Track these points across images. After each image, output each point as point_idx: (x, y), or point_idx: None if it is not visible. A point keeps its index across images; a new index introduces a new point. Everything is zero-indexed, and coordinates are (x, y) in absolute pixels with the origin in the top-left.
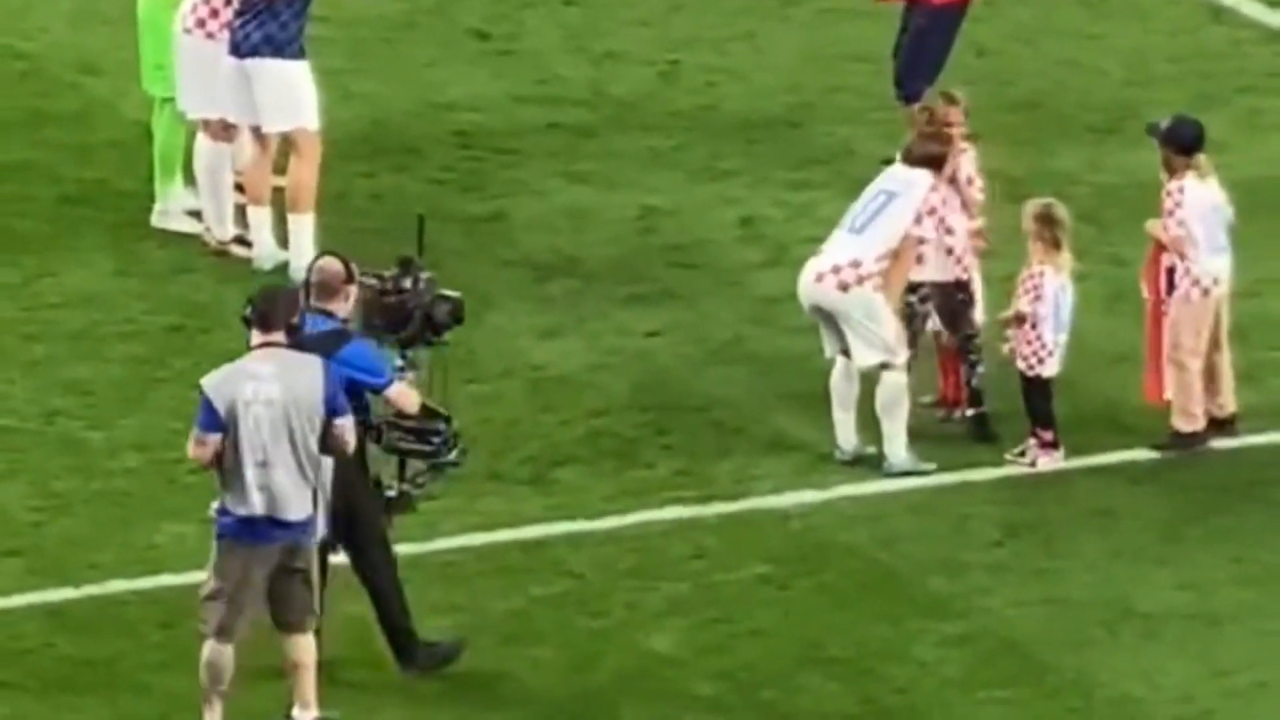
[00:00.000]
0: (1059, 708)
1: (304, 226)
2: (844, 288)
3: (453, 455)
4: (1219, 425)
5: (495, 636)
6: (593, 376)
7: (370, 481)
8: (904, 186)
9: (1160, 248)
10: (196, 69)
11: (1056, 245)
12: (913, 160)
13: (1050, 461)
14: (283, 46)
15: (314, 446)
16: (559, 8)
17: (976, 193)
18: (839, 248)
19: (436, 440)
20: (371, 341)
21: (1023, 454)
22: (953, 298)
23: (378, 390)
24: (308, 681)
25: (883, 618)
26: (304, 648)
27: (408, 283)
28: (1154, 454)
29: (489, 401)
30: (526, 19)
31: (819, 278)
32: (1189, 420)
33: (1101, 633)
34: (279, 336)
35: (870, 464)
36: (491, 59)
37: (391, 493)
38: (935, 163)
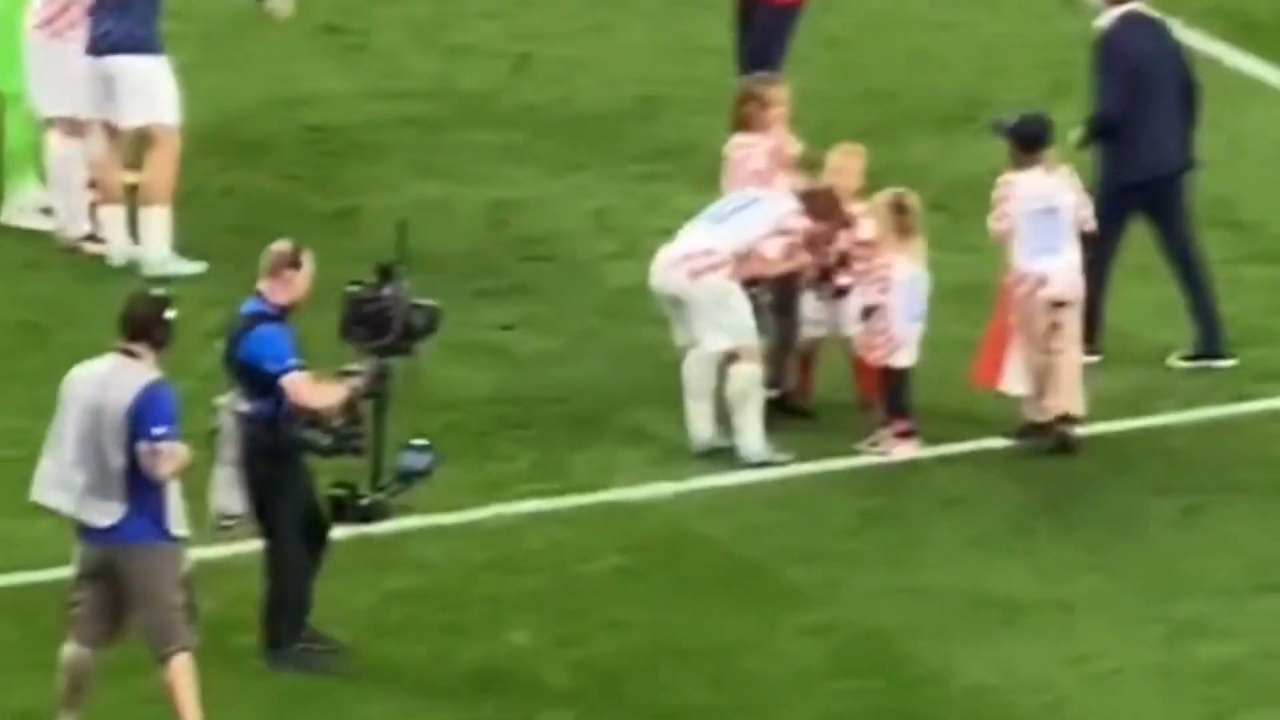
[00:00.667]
0: (916, 697)
1: (157, 221)
2: (694, 275)
3: (407, 458)
4: (1060, 420)
5: (351, 631)
6: (448, 370)
7: (303, 478)
8: (769, 195)
9: None
10: (46, 66)
11: (908, 233)
12: (799, 194)
13: (906, 451)
14: (140, 43)
15: (114, 461)
16: (409, 2)
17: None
18: (694, 236)
19: (326, 440)
20: (284, 330)
21: (876, 444)
22: (787, 288)
23: (273, 377)
24: (183, 707)
25: (740, 608)
26: (170, 675)
27: (387, 290)
28: (1008, 442)
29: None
30: (377, 13)
31: (671, 265)
32: (1036, 411)
33: (958, 621)
34: (135, 344)
35: (727, 455)
36: (342, 54)
37: (364, 501)
38: (815, 212)
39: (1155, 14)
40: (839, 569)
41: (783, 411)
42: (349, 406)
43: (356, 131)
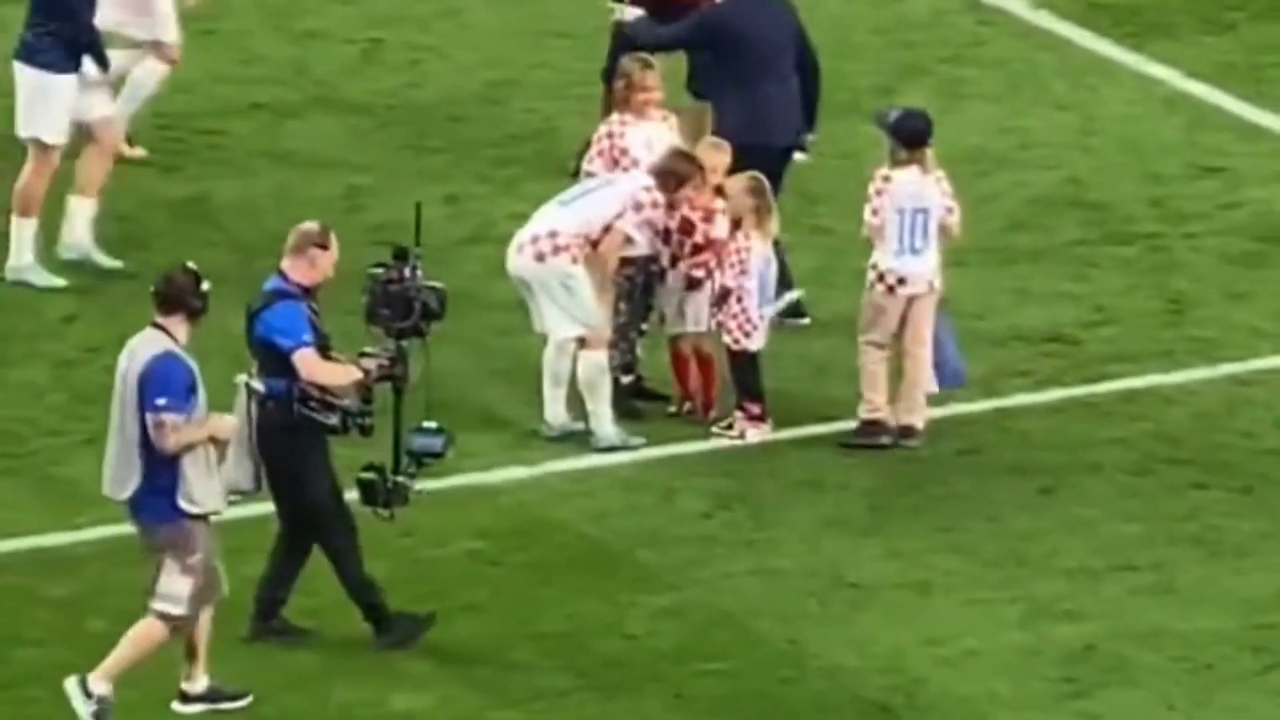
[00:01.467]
0: (771, 678)
1: (26, 229)
2: (540, 258)
3: (417, 440)
4: (901, 433)
5: None
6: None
7: (325, 456)
8: (622, 177)
9: None
10: None
11: (763, 216)
12: (651, 169)
13: (758, 434)
14: (35, 55)
15: (133, 431)
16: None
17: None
18: (541, 219)
19: (334, 419)
20: (301, 308)
21: (730, 427)
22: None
23: (284, 353)
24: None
25: (594, 592)
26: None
27: (406, 272)
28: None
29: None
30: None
31: (519, 248)
32: (868, 407)
33: (812, 603)
34: (167, 318)
35: (579, 440)
36: (193, 39)
37: (388, 484)
38: (664, 179)
39: None
40: (693, 551)
41: (639, 396)
42: (361, 387)
43: (207, 118)
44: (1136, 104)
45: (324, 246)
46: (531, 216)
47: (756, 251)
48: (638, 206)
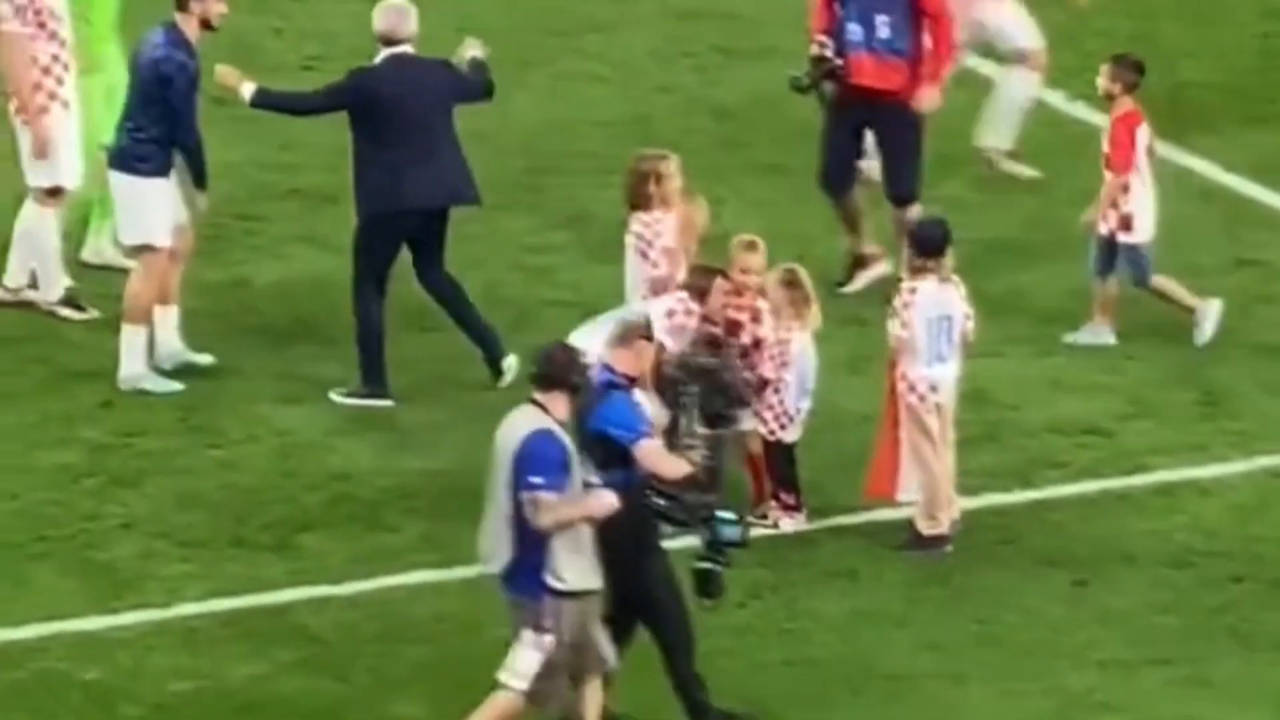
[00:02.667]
0: None
1: (138, 338)
2: None
3: (725, 531)
4: (932, 540)
5: (238, 702)
6: (336, 441)
7: (660, 547)
8: (654, 303)
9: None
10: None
11: (802, 307)
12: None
13: (792, 524)
14: (132, 160)
15: (506, 506)
16: (299, 74)
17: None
18: (574, 339)
19: (680, 512)
20: (632, 398)
21: (764, 516)
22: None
23: (626, 446)
24: None
25: (627, 679)
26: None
27: (715, 361)
28: (897, 514)
29: (232, 467)
30: (266, 84)
31: None
32: (930, 524)
33: (845, 693)
34: (545, 394)
35: None
36: (232, 125)
37: (703, 566)
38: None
39: (423, 56)
40: (727, 640)
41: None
42: (692, 478)
43: (245, 203)
44: (1174, 197)
45: (650, 338)
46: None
47: (796, 342)
48: (669, 314)
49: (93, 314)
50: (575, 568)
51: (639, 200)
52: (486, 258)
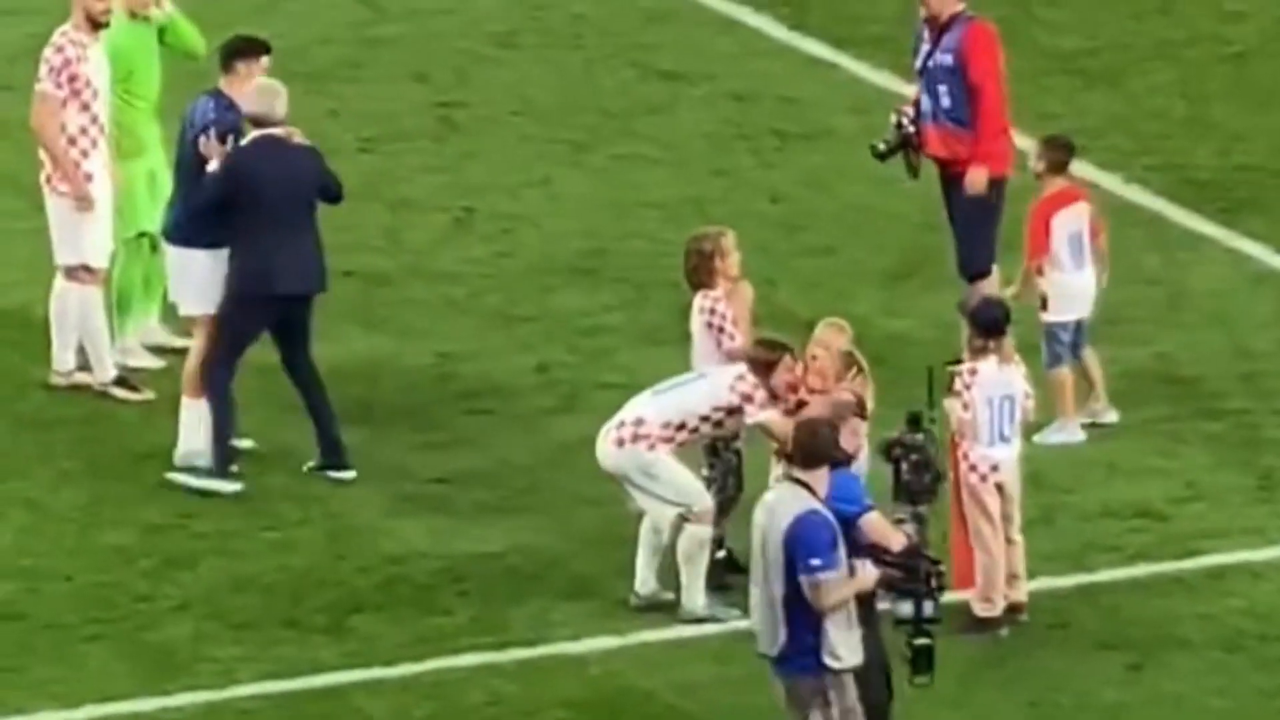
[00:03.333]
0: None
1: (196, 412)
2: (620, 444)
3: (930, 607)
4: (1009, 610)
5: None
6: (389, 524)
7: (875, 615)
8: (716, 371)
9: None
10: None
11: (863, 387)
12: (741, 356)
13: None
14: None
15: (777, 589)
16: (354, 155)
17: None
18: (632, 406)
19: (914, 583)
20: (853, 473)
21: None
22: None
23: (852, 519)
24: None
25: None
26: None
27: (920, 437)
28: (952, 597)
29: (286, 549)
30: None
31: (605, 433)
32: (987, 606)
33: None
34: (806, 472)
35: (669, 610)
36: None
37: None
38: (755, 368)
39: (297, 140)
40: None
41: (730, 569)
42: (913, 549)
43: None
44: (1227, 279)
45: (863, 415)
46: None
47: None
48: (748, 398)
49: (147, 395)
50: (848, 644)
51: (705, 278)
52: (540, 340)
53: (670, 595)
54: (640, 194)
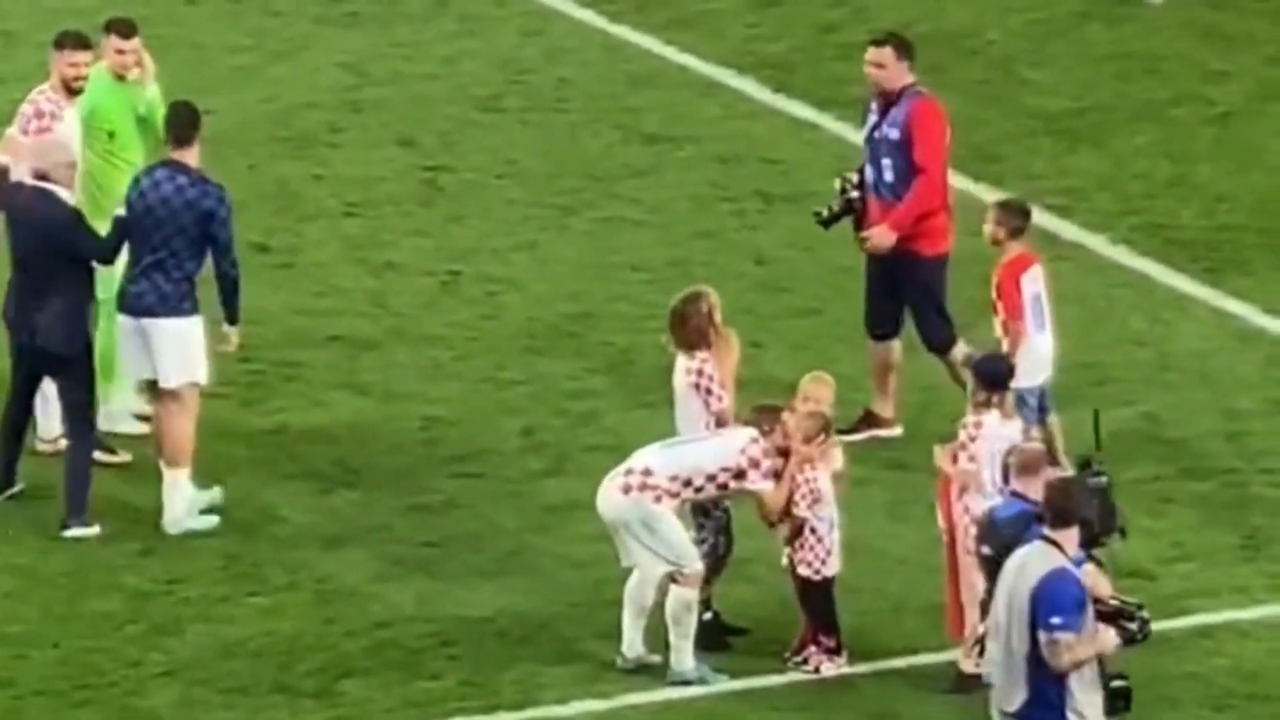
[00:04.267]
0: None
1: (184, 477)
2: (626, 490)
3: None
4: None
5: None
6: (378, 587)
7: None
8: (729, 433)
9: (949, 478)
10: None
11: (832, 445)
12: (751, 420)
13: (833, 667)
14: (177, 304)
15: (1022, 646)
16: (339, 219)
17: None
18: (639, 456)
19: (1133, 625)
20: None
21: (805, 661)
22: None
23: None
24: None
25: None
26: None
27: (1104, 480)
28: (939, 658)
29: (274, 614)
30: (307, 231)
31: (610, 478)
32: (976, 662)
33: None
34: (1058, 531)
35: (656, 673)
36: (272, 271)
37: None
38: (759, 426)
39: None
40: None
41: (720, 630)
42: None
43: (286, 349)
44: (1213, 339)
45: (1056, 463)
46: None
47: (824, 480)
48: (754, 464)
49: (125, 457)
50: (1093, 704)
51: (697, 339)
52: (526, 403)
53: (657, 657)
54: (625, 257)
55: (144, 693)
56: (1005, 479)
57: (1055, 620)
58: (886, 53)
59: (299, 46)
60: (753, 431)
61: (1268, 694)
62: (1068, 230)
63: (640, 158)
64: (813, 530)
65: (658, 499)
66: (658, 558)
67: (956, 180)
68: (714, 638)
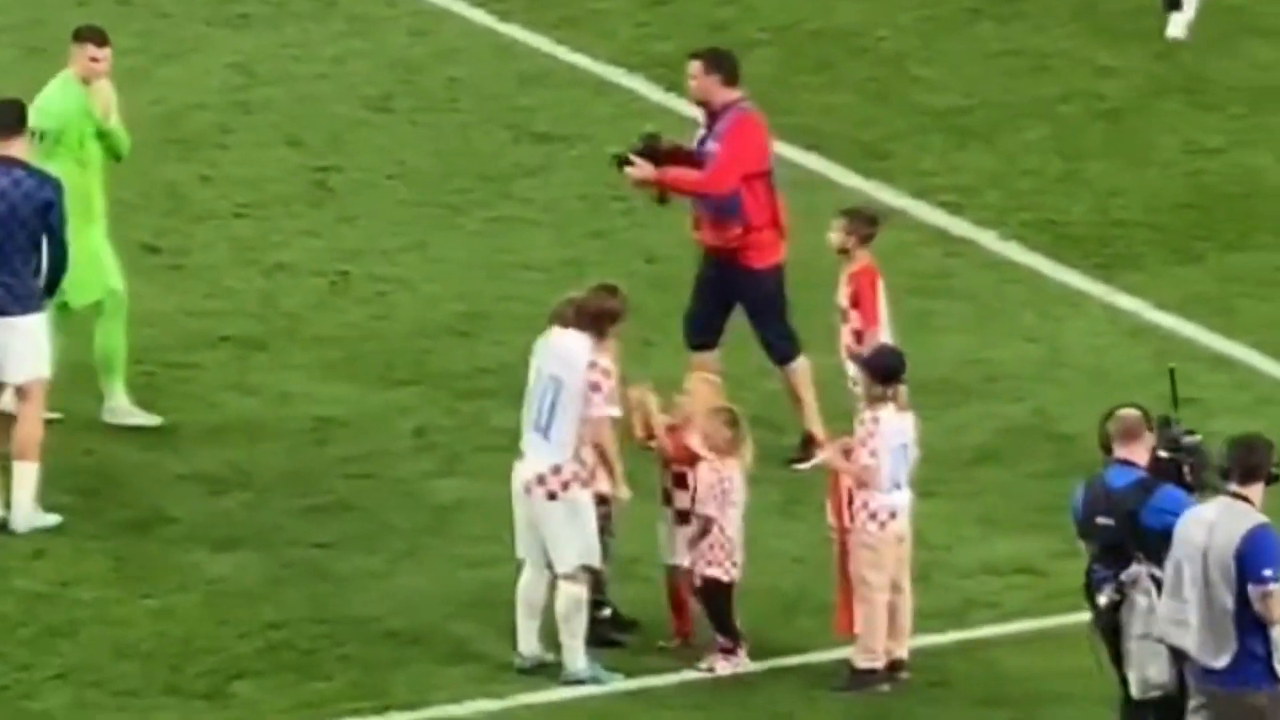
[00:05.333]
0: None
1: (32, 474)
2: (552, 496)
3: None
4: (891, 667)
5: None
6: (269, 589)
7: None
8: (566, 368)
9: (838, 475)
10: None
11: (741, 446)
12: (574, 323)
13: (729, 667)
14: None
15: (1228, 602)
16: (229, 220)
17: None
18: (536, 456)
19: None
20: (1179, 489)
21: (706, 664)
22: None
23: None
24: None
25: None
26: None
27: (1197, 439)
28: (834, 656)
29: (165, 615)
30: (196, 232)
31: (527, 489)
32: (869, 656)
33: None
34: (1245, 486)
35: (550, 673)
36: (162, 273)
37: None
38: (599, 322)
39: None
40: None
41: (613, 627)
42: None
43: (176, 351)
44: (1105, 335)
45: (1151, 428)
46: (524, 446)
47: (737, 482)
48: (595, 387)
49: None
50: None
51: (605, 329)
52: (418, 403)
53: (553, 656)
54: (517, 256)
55: (36, 695)
56: (1107, 449)
57: (1267, 573)
58: (697, 66)
59: (188, 48)
60: (586, 357)
61: None
62: (958, 227)
63: (531, 157)
64: (722, 529)
65: (584, 485)
66: (573, 551)
67: (847, 178)
68: (606, 636)
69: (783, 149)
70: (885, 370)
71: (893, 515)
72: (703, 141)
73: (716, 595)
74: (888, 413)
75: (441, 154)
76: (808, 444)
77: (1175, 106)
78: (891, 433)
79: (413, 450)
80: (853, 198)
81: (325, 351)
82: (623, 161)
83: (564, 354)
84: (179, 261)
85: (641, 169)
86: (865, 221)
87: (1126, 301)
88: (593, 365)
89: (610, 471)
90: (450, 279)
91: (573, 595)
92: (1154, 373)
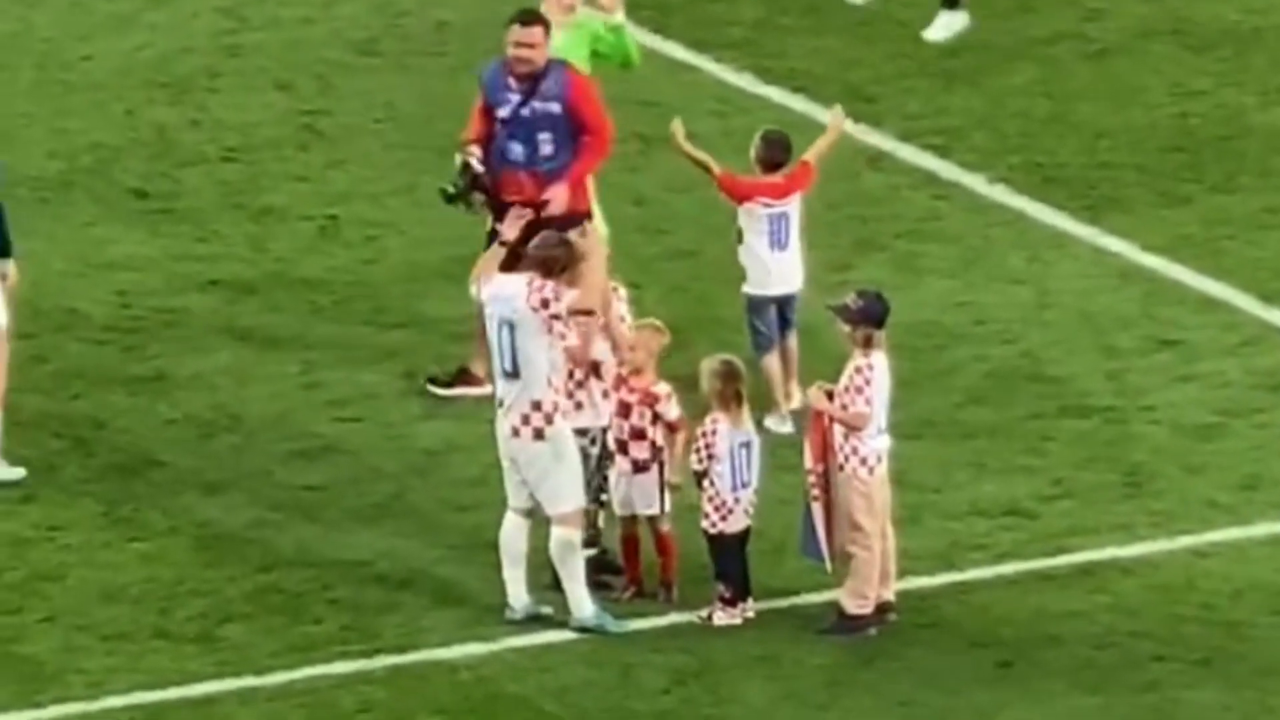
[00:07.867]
0: None
1: None
2: (539, 435)
3: None
4: (879, 610)
5: None
6: (258, 532)
7: None
8: (509, 308)
9: (821, 416)
10: None
11: (737, 401)
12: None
13: (726, 618)
14: None
15: None
16: (217, 165)
17: (627, 330)
18: (512, 398)
19: None
20: None
21: (706, 615)
22: (601, 441)
23: None
24: None
25: None
26: None
27: None
28: (820, 599)
29: (154, 559)
30: (185, 177)
31: (515, 432)
32: (859, 603)
33: None
34: None
35: (544, 618)
36: (150, 217)
37: None
38: (543, 266)
39: None
40: None
41: (605, 569)
42: None
43: (164, 295)
44: (1092, 277)
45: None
46: (503, 402)
47: (725, 435)
48: (544, 304)
49: None
50: None
51: (568, 270)
52: (407, 347)
53: (548, 609)
54: None
55: (26, 639)
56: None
57: None
58: (537, 32)
59: None
60: (532, 283)
61: (1148, 631)
62: (946, 170)
63: None
64: (711, 483)
65: (564, 416)
66: (560, 498)
67: None
68: (593, 577)
69: (770, 91)
70: (873, 314)
71: (879, 459)
72: (523, 104)
73: (717, 546)
74: (879, 356)
75: (430, 98)
76: None
77: (1163, 48)
78: (883, 379)
79: (400, 394)
80: (841, 143)
81: (314, 295)
82: (450, 197)
83: (505, 296)
84: (168, 206)
85: (559, 198)
86: (775, 148)
87: (1114, 244)
88: (538, 289)
89: (616, 345)
90: (439, 223)
91: (563, 538)
92: (1141, 315)
